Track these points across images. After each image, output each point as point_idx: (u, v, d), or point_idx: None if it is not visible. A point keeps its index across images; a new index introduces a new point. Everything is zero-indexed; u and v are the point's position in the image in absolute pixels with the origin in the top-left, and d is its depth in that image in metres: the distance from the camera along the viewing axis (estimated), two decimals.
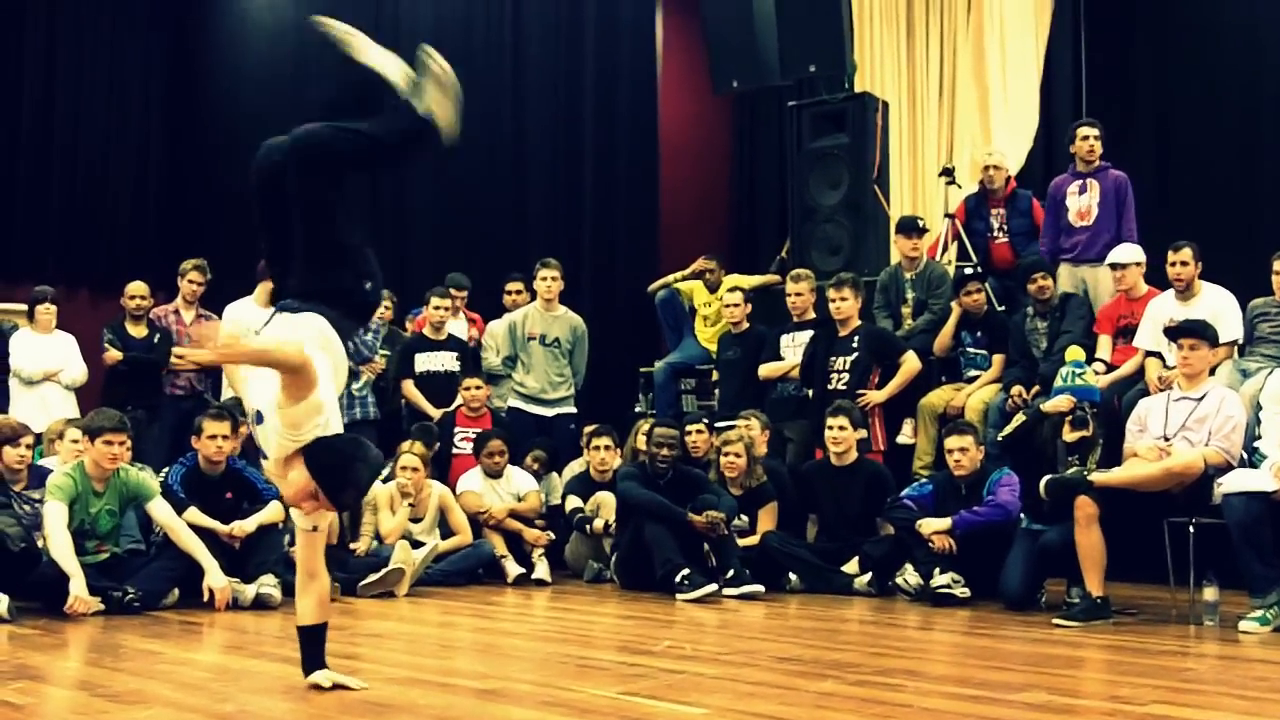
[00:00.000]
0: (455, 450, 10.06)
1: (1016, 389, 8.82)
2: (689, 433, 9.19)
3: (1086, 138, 9.64)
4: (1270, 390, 7.40)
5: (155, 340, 10.33)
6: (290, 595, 7.68)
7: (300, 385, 4.37)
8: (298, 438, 4.47)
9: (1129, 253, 8.89)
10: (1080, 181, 9.65)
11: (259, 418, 4.60)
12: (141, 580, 7.40)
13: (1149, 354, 8.44)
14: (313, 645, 4.96)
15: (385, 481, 9.00)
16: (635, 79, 13.84)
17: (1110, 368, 8.68)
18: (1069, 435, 7.48)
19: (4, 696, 4.78)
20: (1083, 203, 9.62)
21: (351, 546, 8.68)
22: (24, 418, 8.66)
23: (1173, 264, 8.42)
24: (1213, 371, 7.64)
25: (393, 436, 9.81)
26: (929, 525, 7.89)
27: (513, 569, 9.07)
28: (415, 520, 9.02)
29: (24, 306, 10.82)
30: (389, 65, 4.89)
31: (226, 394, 9.89)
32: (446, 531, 9.18)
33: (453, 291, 11.01)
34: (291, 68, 14.71)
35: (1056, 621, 6.84)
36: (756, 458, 8.95)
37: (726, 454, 8.85)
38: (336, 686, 4.90)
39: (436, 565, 8.83)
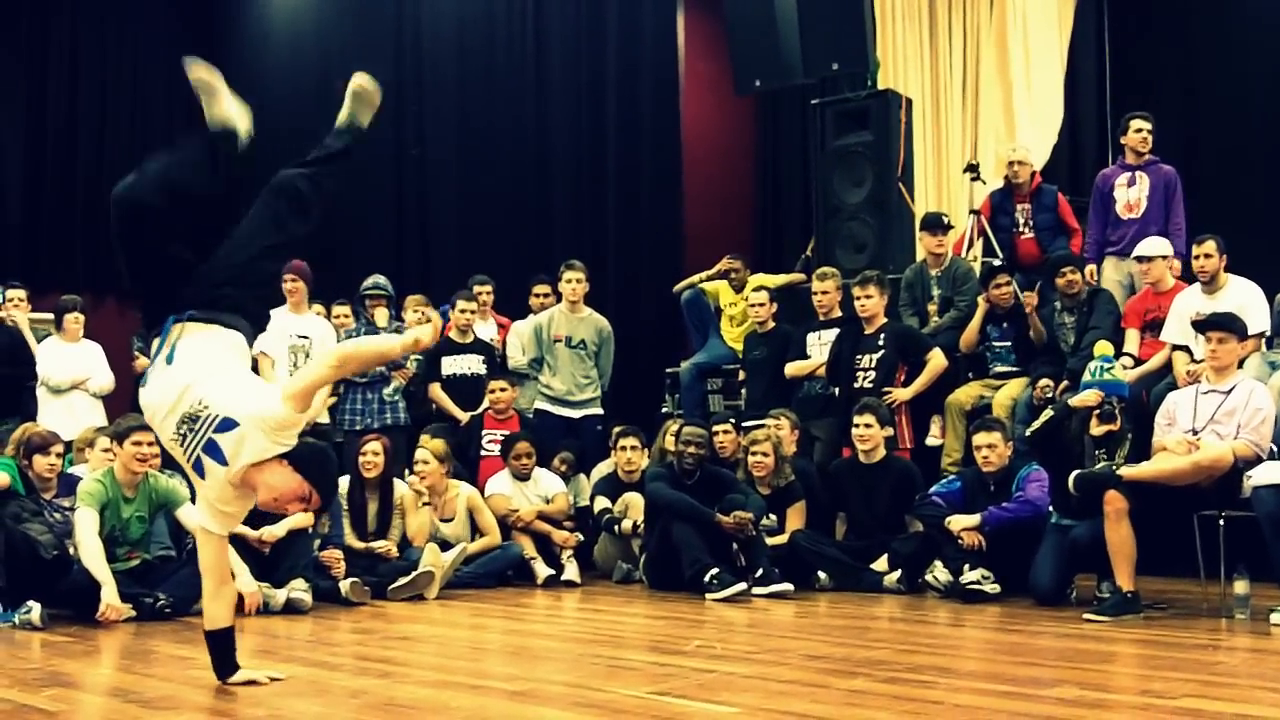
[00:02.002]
0: (483, 452, 10.08)
1: (1043, 382, 8.80)
2: (716, 433, 9.18)
3: (1140, 130, 9.59)
4: None
5: None
6: (320, 600, 7.77)
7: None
8: (287, 440, 4.69)
9: (1155, 246, 8.85)
10: (1129, 174, 9.60)
11: (225, 424, 4.68)
12: (172, 586, 7.42)
13: (1176, 347, 8.41)
14: (228, 649, 5.11)
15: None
16: (658, 80, 13.87)
17: (1138, 362, 8.65)
18: (1096, 430, 7.46)
19: (37, 704, 4.81)
20: (1131, 195, 9.58)
21: (376, 548, 8.64)
22: (52, 426, 8.69)
23: (1197, 257, 8.39)
24: (1241, 364, 7.60)
25: None
26: (958, 522, 7.87)
27: (542, 570, 9.08)
28: (445, 521, 9.04)
29: (52, 316, 10.86)
30: (241, 119, 5.15)
31: None
32: (475, 533, 9.20)
33: (477, 289, 11.02)
34: (316, 73, 14.74)
35: (1087, 616, 6.81)
36: (784, 457, 8.94)
37: (754, 453, 8.84)
38: (272, 679, 5.12)
39: (466, 568, 8.85)
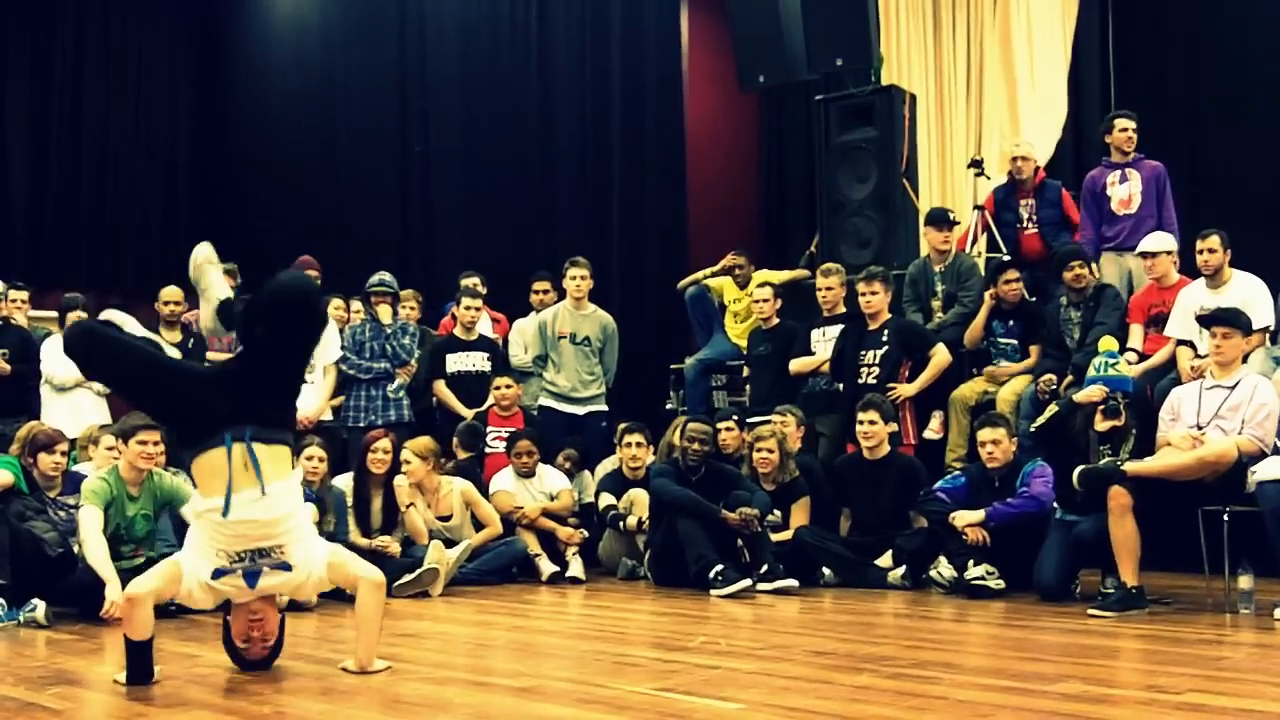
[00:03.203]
0: (488, 449, 10.08)
1: (1046, 377, 8.79)
2: (720, 429, 9.17)
3: (1125, 129, 9.64)
4: None
5: (189, 345, 10.35)
6: (325, 596, 7.75)
7: None
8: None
9: (1159, 241, 8.85)
10: (1119, 171, 9.64)
11: (283, 566, 5.10)
12: None
13: (1180, 342, 8.40)
14: (150, 657, 5.13)
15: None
16: (661, 76, 13.86)
17: (1142, 357, 8.65)
18: (1101, 425, 7.47)
19: (42, 702, 4.82)
20: (1124, 191, 9.60)
21: (379, 545, 8.62)
22: (56, 424, 8.68)
23: (1200, 251, 8.38)
24: (1245, 359, 7.59)
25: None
26: (962, 518, 7.87)
27: (547, 567, 9.08)
28: (443, 519, 9.03)
29: (56, 314, 10.87)
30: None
31: None
32: (476, 527, 9.19)
33: (473, 284, 11.00)
34: (318, 75, 14.80)
35: (1091, 612, 6.82)
36: (789, 453, 8.94)
37: (759, 449, 8.84)
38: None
39: (470, 564, 8.84)
